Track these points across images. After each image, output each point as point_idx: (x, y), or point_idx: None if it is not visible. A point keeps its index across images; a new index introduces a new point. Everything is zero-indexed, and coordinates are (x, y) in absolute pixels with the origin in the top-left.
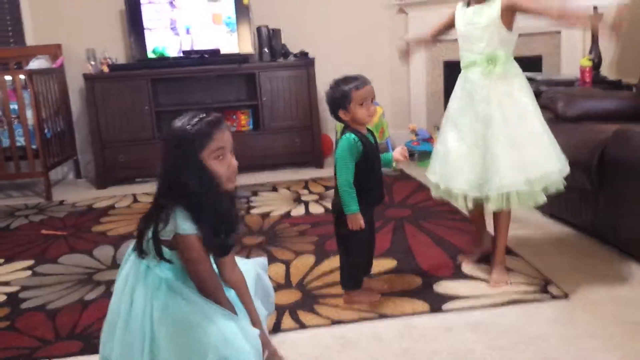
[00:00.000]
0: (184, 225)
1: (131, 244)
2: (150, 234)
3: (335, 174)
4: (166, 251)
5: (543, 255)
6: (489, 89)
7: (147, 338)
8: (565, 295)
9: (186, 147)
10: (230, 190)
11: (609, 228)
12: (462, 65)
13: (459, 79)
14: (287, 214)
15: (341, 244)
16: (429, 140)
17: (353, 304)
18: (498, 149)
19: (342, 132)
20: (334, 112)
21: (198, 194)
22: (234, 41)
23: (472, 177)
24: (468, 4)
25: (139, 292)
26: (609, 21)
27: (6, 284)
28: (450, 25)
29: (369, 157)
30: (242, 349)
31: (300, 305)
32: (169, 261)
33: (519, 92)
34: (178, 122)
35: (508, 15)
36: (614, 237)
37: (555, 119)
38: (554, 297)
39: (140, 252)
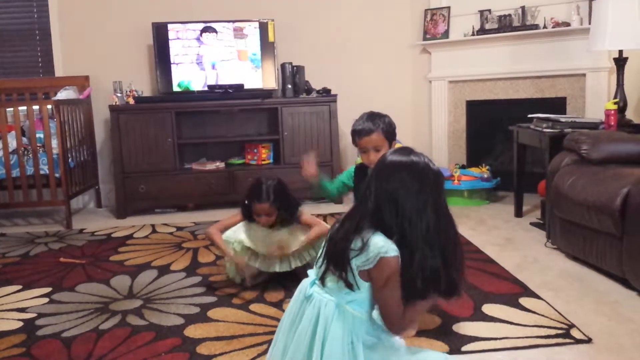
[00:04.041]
0: (390, 245)
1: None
2: (352, 262)
3: None
4: (360, 282)
5: (567, 299)
6: None
7: None
8: (589, 340)
9: (434, 186)
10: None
11: (634, 272)
12: None
13: None
14: None
15: None
16: (450, 178)
17: None
18: None
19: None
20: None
21: (430, 236)
22: (258, 77)
23: None
24: None
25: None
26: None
27: (23, 310)
28: None
29: (356, 184)
30: None
31: None
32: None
33: None
34: (419, 158)
35: None
36: (639, 281)
37: (579, 161)
38: (577, 341)
39: (322, 281)
